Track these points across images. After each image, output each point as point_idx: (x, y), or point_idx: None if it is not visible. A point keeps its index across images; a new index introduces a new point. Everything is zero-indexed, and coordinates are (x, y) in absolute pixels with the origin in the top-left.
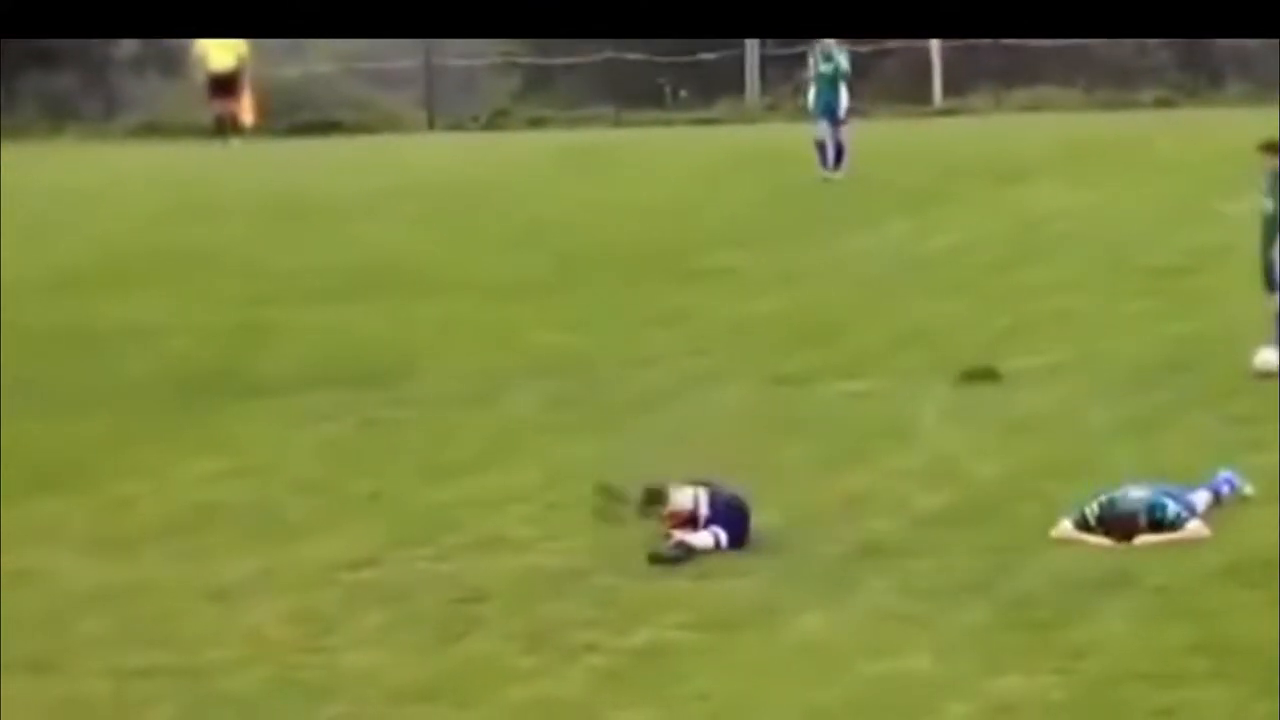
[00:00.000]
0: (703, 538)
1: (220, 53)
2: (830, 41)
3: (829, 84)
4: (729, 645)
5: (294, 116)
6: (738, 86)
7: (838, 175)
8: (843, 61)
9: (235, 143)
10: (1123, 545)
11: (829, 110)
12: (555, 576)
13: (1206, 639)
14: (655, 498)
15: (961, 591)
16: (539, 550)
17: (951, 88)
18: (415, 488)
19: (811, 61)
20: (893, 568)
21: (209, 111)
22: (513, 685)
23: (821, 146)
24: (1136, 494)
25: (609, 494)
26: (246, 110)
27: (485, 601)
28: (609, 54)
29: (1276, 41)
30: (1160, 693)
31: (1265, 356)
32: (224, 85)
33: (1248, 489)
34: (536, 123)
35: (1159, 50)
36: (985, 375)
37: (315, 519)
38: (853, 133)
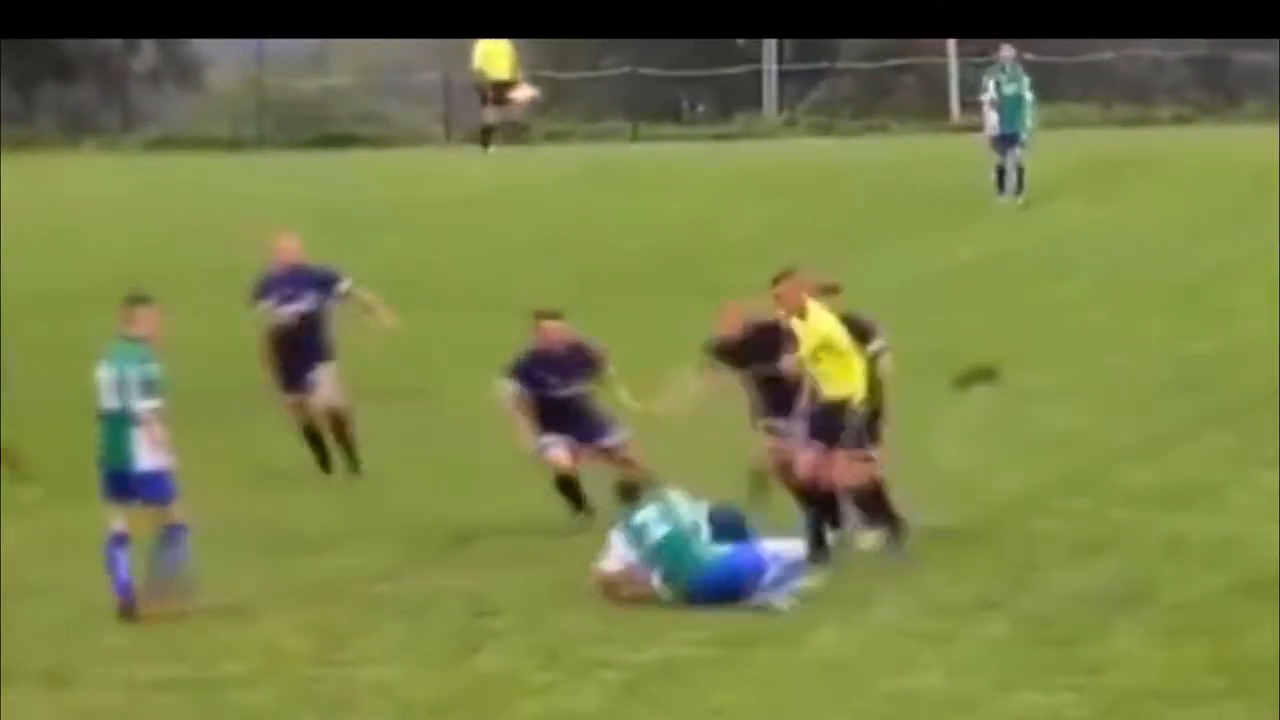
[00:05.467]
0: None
1: (497, 61)
2: (1007, 57)
3: (1015, 105)
4: (743, 661)
5: (313, 130)
6: (755, 102)
7: (1020, 200)
8: (1024, 79)
9: (495, 149)
10: None
11: (1012, 132)
12: (571, 592)
13: (1223, 656)
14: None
15: (979, 608)
16: (556, 565)
17: (969, 104)
18: (433, 502)
19: (992, 83)
20: (907, 583)
21: (483, 119)
22: (528, 700)
23: (1001, 173)
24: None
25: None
26: (520, 106)
27: (501, 616)
28: (627, 69)
29: None
30: (1178, 710)
31: None
32: (503, 92)
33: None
34: (554, 137)
35: (1177, 67)
36: (996, 383)
37: (333, 532)
38: (874, 150)
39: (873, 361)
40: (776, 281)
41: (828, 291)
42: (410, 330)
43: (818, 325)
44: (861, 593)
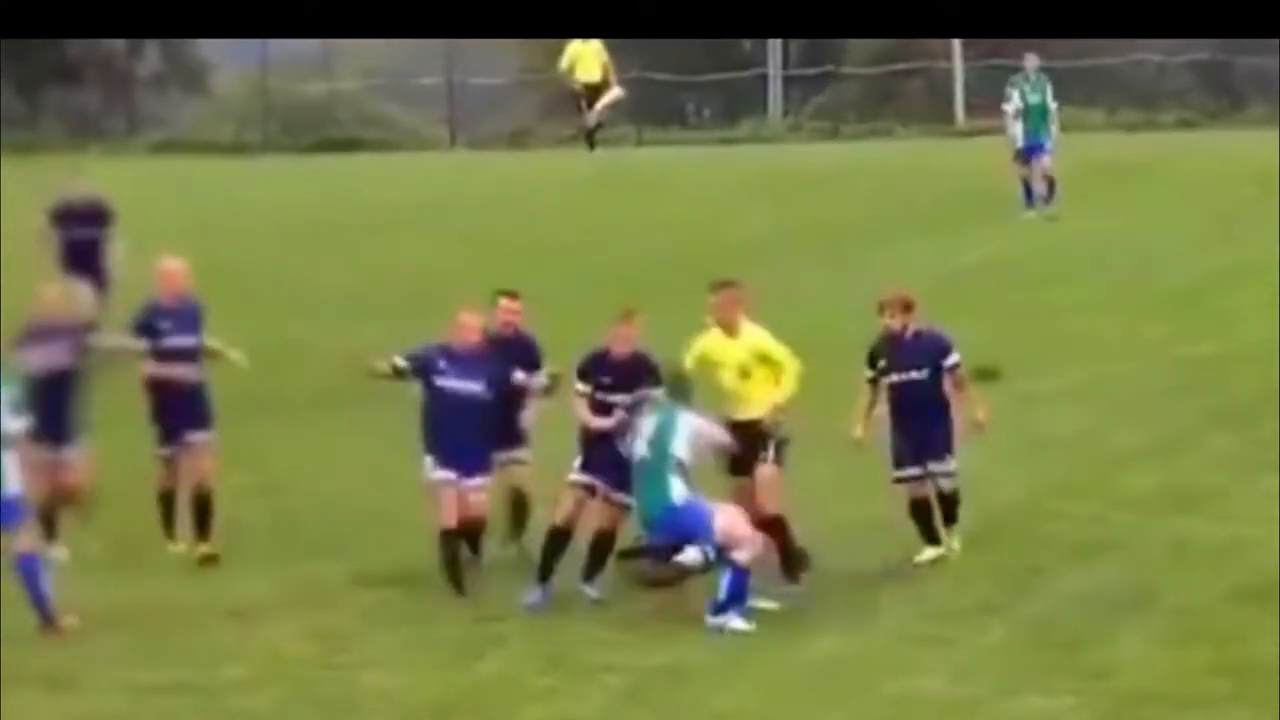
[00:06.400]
0: (691, 555)
1: (588, 63)
2: (1030, 67)
3: (1040, 114)
4: (746, 665)
5: (317, 134)
6: (760, 106)
7: (1050, 209)
8: (1047, 88)
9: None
10: None
11: (1038, 143)
12: (574, 597)
13: (1226, 660)
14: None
15: (981, 612)
16: (558, 570)
17: (974, 108)
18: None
19: (1016, 94)
20: (910, 587)
21: (579, 123)
22: (530, 705)
23: (1028, 186)
24: None
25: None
26: (608, 108)
27: (504, 621)
28: (633, 73)
29: None
30: (1180, 714)
31: None
32: (595, 95)
33: None
34: (561, 141)
35: (1181, 72)
36: (998, 386)
37: (337, 536)
38: (879, 153)
39: (949, 374)
40: (715, 289)
41: (907, 308)
42: (413, 334)
43: (750, 341)
44: (863, 598)
